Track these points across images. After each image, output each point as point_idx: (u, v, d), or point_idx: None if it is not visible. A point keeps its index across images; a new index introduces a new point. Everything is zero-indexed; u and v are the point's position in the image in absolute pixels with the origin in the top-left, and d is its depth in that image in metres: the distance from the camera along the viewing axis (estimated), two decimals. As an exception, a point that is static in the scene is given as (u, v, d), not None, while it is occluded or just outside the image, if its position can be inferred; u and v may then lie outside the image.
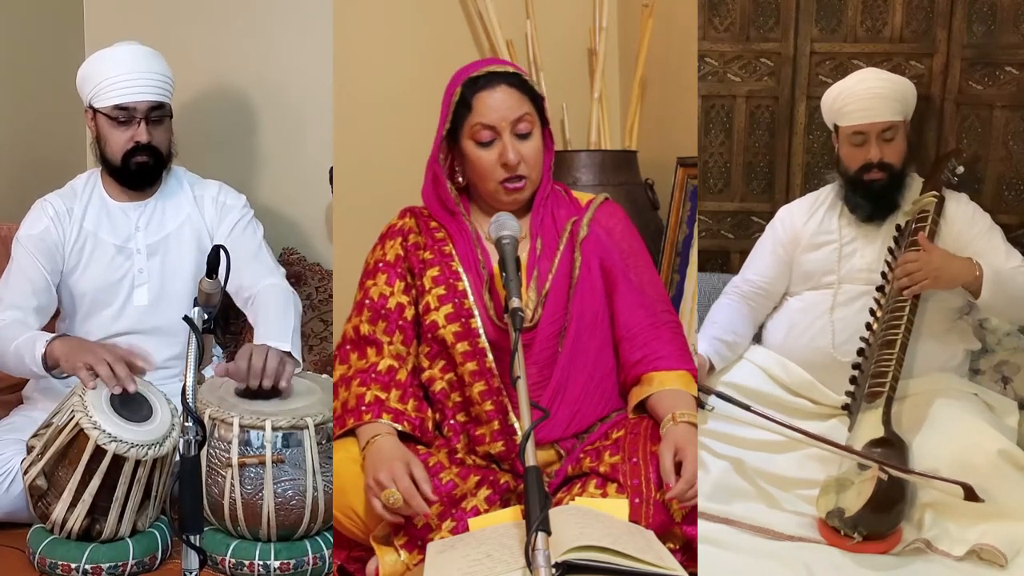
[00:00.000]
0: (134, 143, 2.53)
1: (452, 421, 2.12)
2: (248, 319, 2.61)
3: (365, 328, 2.15)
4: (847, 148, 2.59)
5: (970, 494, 2.12)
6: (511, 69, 2.16)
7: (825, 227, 2.64)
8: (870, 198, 2.57)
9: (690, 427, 1.94)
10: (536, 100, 2.14)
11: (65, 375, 2.29)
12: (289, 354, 2.33)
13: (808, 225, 2.66)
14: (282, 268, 2.71)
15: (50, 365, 2.31)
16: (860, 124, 2.55)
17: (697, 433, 1.96)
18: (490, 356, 2.10)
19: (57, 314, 2.64)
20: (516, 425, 2.06)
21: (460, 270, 2.16)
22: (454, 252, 2.18)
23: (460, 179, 2.20)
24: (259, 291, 2.57)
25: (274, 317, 2.48)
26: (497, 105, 2.10)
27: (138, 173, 2.56)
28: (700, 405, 2.32)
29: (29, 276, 2.53)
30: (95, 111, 2.54)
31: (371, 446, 1.98)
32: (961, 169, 2.63)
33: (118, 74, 2.50)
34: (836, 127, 2.63)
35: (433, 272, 2.17)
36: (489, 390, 2.09)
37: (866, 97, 2.54)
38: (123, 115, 2.51)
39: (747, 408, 2.35)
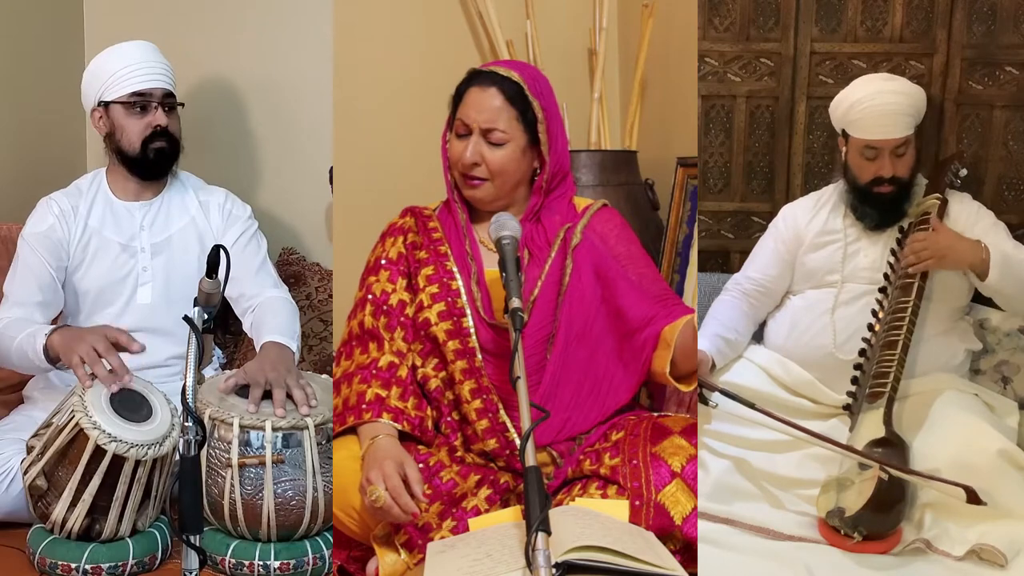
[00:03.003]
0: (153, 128, 2.57)
1: (448, 418, 2.13)
2: (244, 326, 2.63)
3: (369, 321, 2.16)
4: (857, 159, 2.56)
5: (972, 497, 2.11)
6: (514, 76, 2.14)
7: (829, 227, 2.63)
8: (879, 208, 2.56)
9: None
10: (527, 114, 2.12)
11: (68, 368, 2.30)
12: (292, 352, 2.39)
13: (812, 225, 2.65)
14: (284, 285, 2.72)
15: (52, 358, 2.31)
16: (874, 140, 2.51)
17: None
18: (479, 356, 2.10)
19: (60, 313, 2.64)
20: (507, 422, 2.07)
21: (454, 269, 2.17)
22: (449, 252, 2.19)
23: None
24: (263, 301, 2.59)
25: (281, 319, 2.51)
26: (476, 105, 2.12)
27: (156, 160, 2.59)
28: (703, 401, 2.33)
29: (35, 273, 2.54)
30: (106, 105, 2.57)
31: (370, 447, 1.98)
32: (964, 172, 2.62)
33: (132, 63, 2.56)
34: (845, 133, 2.60)
35: (428, 271, 2.17)
36: (479, 388, 2.09)
37: (883, 114, 2.50)
38: (140, 101, 2.56)
39: (751, 406, 2.34)
